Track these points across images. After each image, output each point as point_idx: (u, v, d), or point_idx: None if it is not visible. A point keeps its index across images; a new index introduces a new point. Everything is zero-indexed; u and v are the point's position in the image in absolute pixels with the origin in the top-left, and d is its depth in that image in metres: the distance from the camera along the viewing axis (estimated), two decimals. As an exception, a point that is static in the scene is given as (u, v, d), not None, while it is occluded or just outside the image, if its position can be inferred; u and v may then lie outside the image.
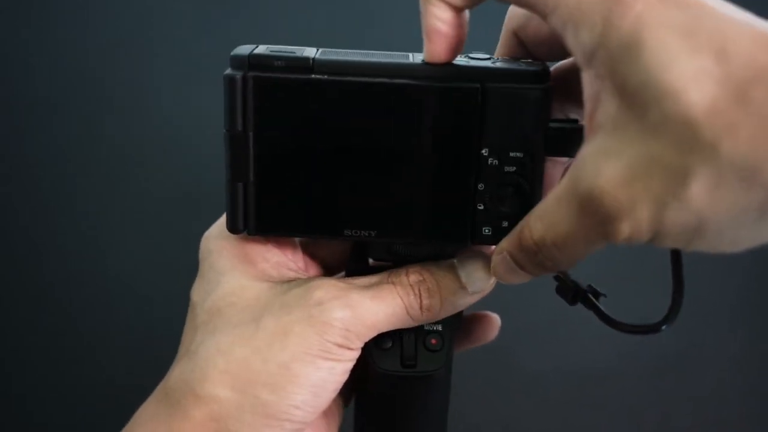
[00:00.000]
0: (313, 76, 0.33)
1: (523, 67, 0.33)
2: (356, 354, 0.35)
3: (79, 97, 0.68)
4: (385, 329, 0.35)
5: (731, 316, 0.72)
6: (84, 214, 0.69)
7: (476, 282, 0.36)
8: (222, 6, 0.67)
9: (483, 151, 0.34)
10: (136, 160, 0.68)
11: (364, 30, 0.67)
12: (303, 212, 0.35)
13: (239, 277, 0.35)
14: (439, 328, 0.37)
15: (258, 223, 0.35)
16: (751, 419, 0.74)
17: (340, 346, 0.33)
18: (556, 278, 0.37)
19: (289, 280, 0.36)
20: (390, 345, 0.37)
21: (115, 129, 0.68)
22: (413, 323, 0.36)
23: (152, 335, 0.67)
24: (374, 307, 0.34)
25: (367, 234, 0.35)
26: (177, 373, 0.34)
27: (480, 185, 0.34)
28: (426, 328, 0.37)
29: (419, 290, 0.35)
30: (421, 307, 0.35)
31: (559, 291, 0.37)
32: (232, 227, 0.35)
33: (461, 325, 0.39)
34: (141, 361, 0.63)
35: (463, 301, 0.36)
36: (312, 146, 0.34)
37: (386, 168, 0.34)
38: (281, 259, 0.37)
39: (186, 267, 0.66)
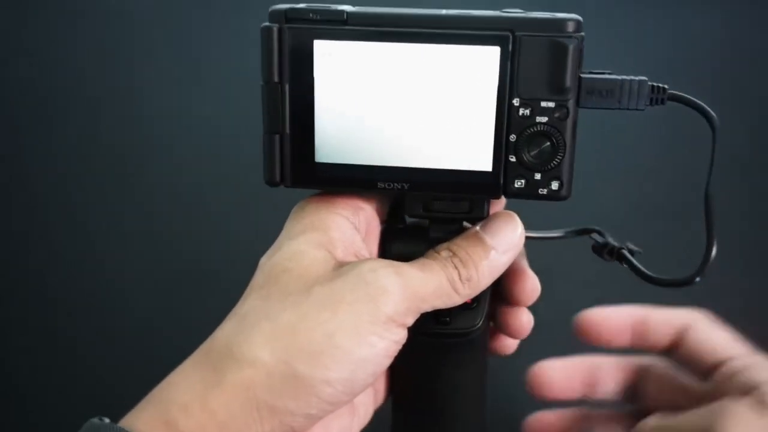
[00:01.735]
0: (346, 27, 0.34)
1: (556, 16, 0.33)
2: (402, 334, 0.34)
3: (77, 99, 0.69)
4: (433, 305, 0.34)
5: (733, 315, 0.70)
6: (83, 214, 0.70)
7: (503, 240, 0.36)
8: (222, 7, 0.68)
9: (514, 101, 0.34)
10: (135, 163, 0.69)
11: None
12: (338, 164, 0.35)
13: (302, 242, 0.35)
14: None
15: (294, 175, 0.36)
16: None
17: (390, 319, 0.33)
18: (592, 237, 0.36)
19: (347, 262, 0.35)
20: None
21: (114, 131, 0.69)
22: (459, 298, 0.35)
23: (152, 336, 0.67)
24: (423, 277, 0.34)
25: (399, 186, 0.36)
26: (221, 334, 0.34)
27: (511, 136, 0.34)
28: None
29: (453, 262, 0.35)
30: (461, 279, 0.35)
31: (595, 249, 0.37)
32: (269, 179, 0.36)
33: (498, 287, 0.39)
34: (140, 361, 0.64)
35: (498, 263, 0.36)
36: (346, 97, 0.34)
37: (417, 117, 0.34)
38: (354, 239, 0.36)
39: (184, 268, 0.67)
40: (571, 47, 0.33)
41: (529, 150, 0.34)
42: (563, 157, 0.34)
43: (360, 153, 0.35)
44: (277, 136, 0.35)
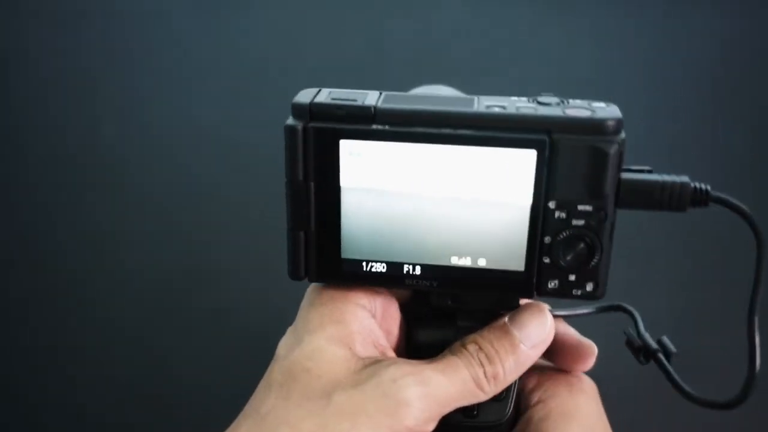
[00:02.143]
0: (374, 126, 0.32)
1: (595, 115, 0.32)
2: None
3: (77, 100, 0.68)
4: (457, 406, 0.34)
5: (732, 315, 0.70)
6: (83, 215, 0.70)
7: (531, 335, 0.35)
8: (222, 8, 0.66)
9: (550, 204, 0.32)
10: (134, 163, 0.68)
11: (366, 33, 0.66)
12: (365, 261, 0.34)
13: (321, 338, 0.34)
14: None
15: (319, 270, 0.35)
16: (754, 419, 0.73)
17: (410, 430, 0.32)
18: (626, 333, 0.35)
19: (367, 358, 0.35)
20: None
21: (114, 132, 0.68)
22: (484, 396, 0.34)
23: (152, 337, 0.68)
24: (445, 381, 0.33)
25: (428, 284, 0.34)
26: None
27: (546, 238, 0.33)
28: None
29: (479, 359, 0.34)
30: (486, 376, 0.34)
31: (629, 346, 0.36)
32: (294, 274, 0.35)
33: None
34: (140, 363, 0.64)
35: (526, 358, 0.35)
36: (374, 197, 0.33)
37: (449, 217, 0.33)
38: (371, 328, 0.36)
39: (184, 271, 0.67)
40: (611, 153, 0.31)
41: (564, 253, 0.33)
42: (599, 259, 0.33)
43: (387, 250, 0.34)
44: (302, 233, 0.34)
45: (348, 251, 0.34)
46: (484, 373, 0.34)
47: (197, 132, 0.67)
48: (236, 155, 0.65)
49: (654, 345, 0.35)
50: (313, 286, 0.36)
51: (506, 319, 0.35)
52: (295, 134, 0.32)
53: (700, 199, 0.32)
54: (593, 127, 0.31)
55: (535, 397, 0.38)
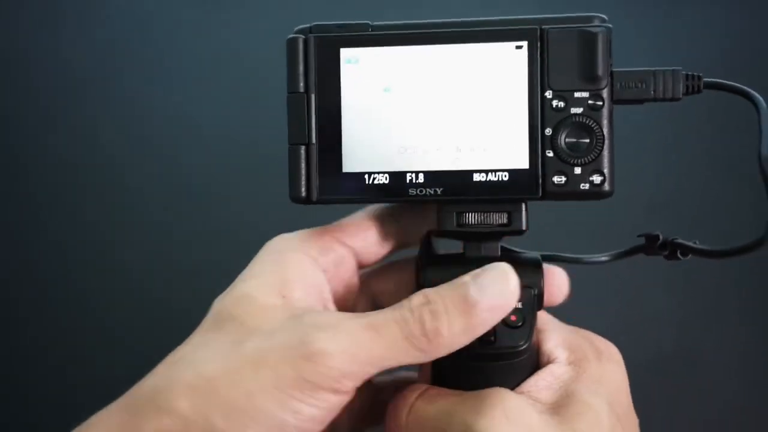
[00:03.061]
0: (372, 32, 0.34)
1: (581, 14, 0.34)
2: (341, 400, 0.30)
3: (77, 101, 0.69)
4: (386, 366, 0.30)
5: (733, 314, 0.66)
6: (82, 215, 0.69)
7: (491, 298, 0.31)
8: (222, 9, 0.69)
9: (546, 94, 0.33)
10: (134, 163, 0.68)
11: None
12: (367, 173, 0.34)
13: (253, 286, 0.33)
14: (519, 305, 0.34)
15: (321, 188, 0.34)
16: (755, 418, 0.65)
17: (318, 386, 0.29)
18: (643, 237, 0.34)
19: (302, 309, 0.33)
20: None
21: (113, 132, 0.69)
22: (422, 356, 0.30)
23: (152, 336, 0.64)
24: (367, 339, 0.30)
25: (432, 192, 0.34)
26: (150, 379, 0.31)
27: (546, 130, 0.33)
28: None
29: (420, 313, 0.30)
30: (424, 333, 0.30)
31: (648, 249, 0.35)
32: (295, 194, 0.34)
33: (541, 305, 0.36)
34: (140, 363, 0.60)
35: (479, 322, 0.31)
36: (375, 103, 0.34)
37: (448, 119, 0.33)
38: (317, 281, 0.34)
39: (184, 270, 0.65)
40: (600, 34, 0.33)
41: (567, 143, 0.33)
42: (602, 148, 0.33)
43: (389, 160, 0.34)
44: (302, 148, 0.34)
45: (349, 164, 0.34)
46: (423, 330, 0.30)
47: (197, 132, 0.68)
48: (236, 155, 0.66)
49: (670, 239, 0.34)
50: (269, 242, 0.36)
51: (467, 276, 0.32)
52: (296, 45, 0.34)
53: (693, 84, 0.33)
54: (580, 18, 0.33)
55: (561, 355, 0.35)
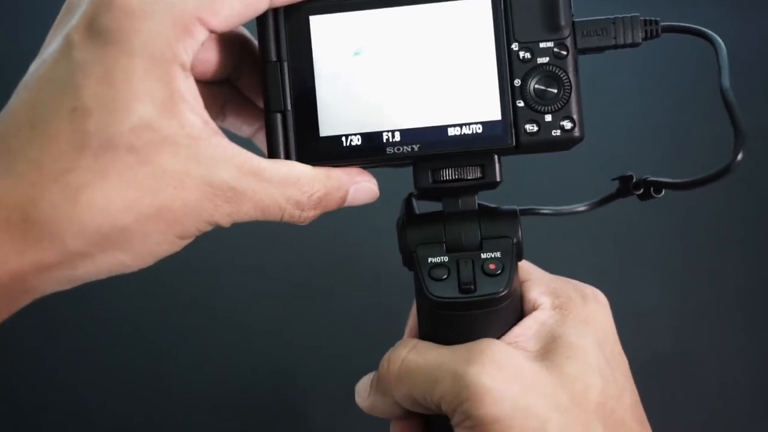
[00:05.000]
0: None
1: None
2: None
3: None
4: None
5: (733, 313, 0.67)
6: None
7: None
8: None
9: (512, 46, 0.34)
10: None
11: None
12: (344, 136, 0.35)
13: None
14: (498, 254, 0.35)
15: (298, 152, 0.35)
16: (755, 417, 0.66)
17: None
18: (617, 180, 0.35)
19: None
20: (446, 276, 0.34)
21: None
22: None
23: (151, 336, 0.63)
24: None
25: (409, 149, 0.34)
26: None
27: (515, 81, 0.34)
28: (483, 255, 0.35)
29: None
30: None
31: (621, 191, 0.36)
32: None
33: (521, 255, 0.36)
34: (140, 363, 0.59)
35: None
36: (347, 67, 0.35)
37: (419, 77, 0.34)
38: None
39: (183, 270, 0.64)
40: None
41: (536, 91, 0.34)
42: (570, 94, 0.34)
43: (364, 120, 0.35)
44: (279, 115, 0.35)
45: (326, 128, 0.35)
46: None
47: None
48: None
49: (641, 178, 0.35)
50: None
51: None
52: (266, 15, 0.35)
53: (651, 29, 0.35)
54: None
55: (546, 301, 0.36)
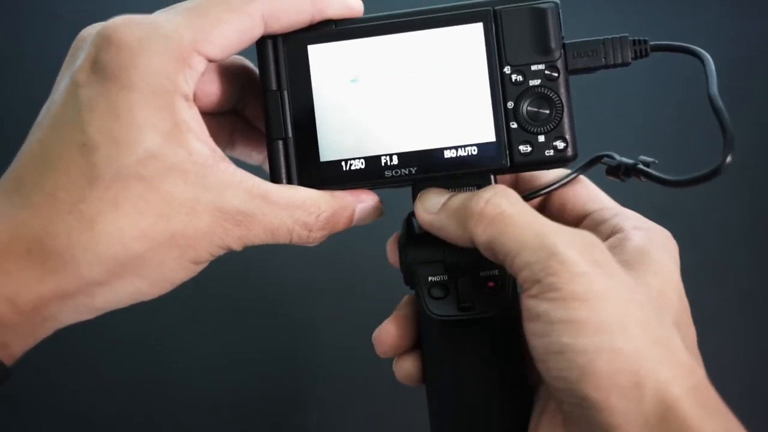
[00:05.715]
0: (336, 27, 0.36)
1: None
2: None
3: None
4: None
5: (735, 316, 0.68)
6: None
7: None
8: None
9: (505, 70, 0.35)
10: None
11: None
12: (344, 160, 0.36)
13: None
14: (496, 272, 0.36)
15: (300, 178, 0.36)
16: (755, 417, 0.66)
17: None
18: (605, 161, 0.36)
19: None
20: (444, 294, 0.36)
21: None
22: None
23: (152, 336, 0.64)
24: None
25: (407, 172, 0.36)
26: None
27: (509, 103, 0.35)
28: (482, 273, 0.36)
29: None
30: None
31: (610, 172, 0.37)
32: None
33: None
34: (140, 362, 0.60)
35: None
36: (345, 94, 0.36)
37: (416, 102, 0.35)
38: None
39: None
40: (549, 10, 0.35)
41: (528, 113, 0.35)
42: (562, 115, 0.35)
43: (363, 145, 0.36)
44: (280, 142, 0.36)
45: (327, 153, 0.36)
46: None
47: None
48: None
49: (632, 161, 0.36)
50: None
51: None
52: (266, 46, 0.36)
53: (640, 49, 0.35)
54: None
55: (628, 224, 0.35)
